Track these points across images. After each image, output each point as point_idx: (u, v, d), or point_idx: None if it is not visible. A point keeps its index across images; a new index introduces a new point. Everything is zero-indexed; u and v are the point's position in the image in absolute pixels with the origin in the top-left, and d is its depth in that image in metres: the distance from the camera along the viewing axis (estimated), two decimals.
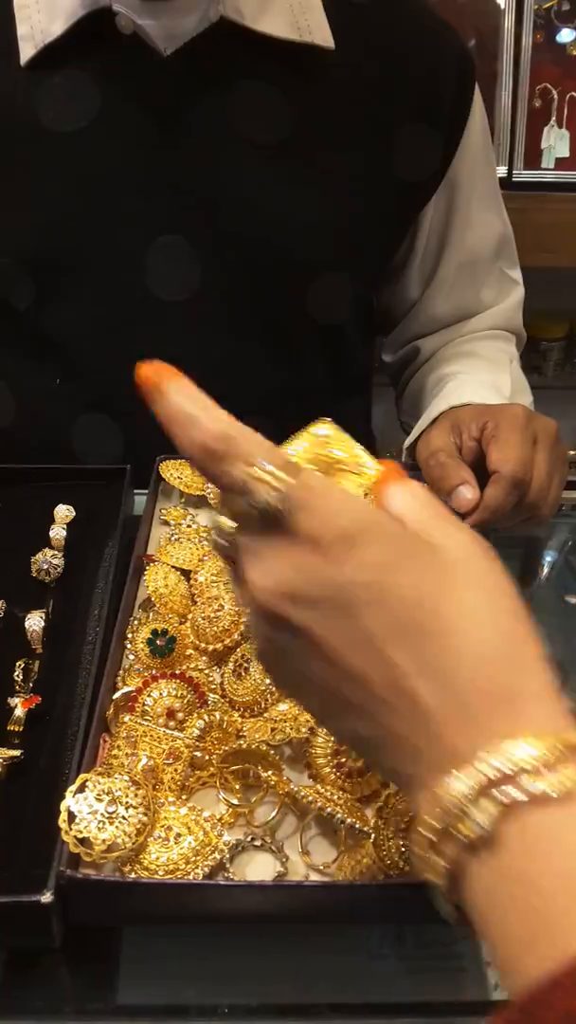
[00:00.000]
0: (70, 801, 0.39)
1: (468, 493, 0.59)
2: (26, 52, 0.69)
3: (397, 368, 0.89)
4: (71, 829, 0.38)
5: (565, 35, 1.26)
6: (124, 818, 0.38)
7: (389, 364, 0.89)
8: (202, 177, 0.71)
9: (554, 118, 1.27)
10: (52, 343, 0.77)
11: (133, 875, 0.38)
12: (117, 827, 0.38)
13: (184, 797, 0.42)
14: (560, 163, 1.28)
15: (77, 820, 0.38)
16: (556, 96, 1.27)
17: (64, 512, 0.61)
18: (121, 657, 0.50)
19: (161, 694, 0.46)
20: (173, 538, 0.61)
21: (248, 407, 0.78)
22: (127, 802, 0.39)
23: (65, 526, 0.60)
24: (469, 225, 0.81)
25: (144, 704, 0.45)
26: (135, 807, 0.39)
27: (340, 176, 0.73)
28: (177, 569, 0.57)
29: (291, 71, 0.70)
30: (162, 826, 0.40)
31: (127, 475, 0.66)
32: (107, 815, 0.38)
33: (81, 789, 0.39)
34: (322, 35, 0.69)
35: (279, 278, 0.74)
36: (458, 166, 0.77)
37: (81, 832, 0.38)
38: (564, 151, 1.28)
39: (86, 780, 0.40)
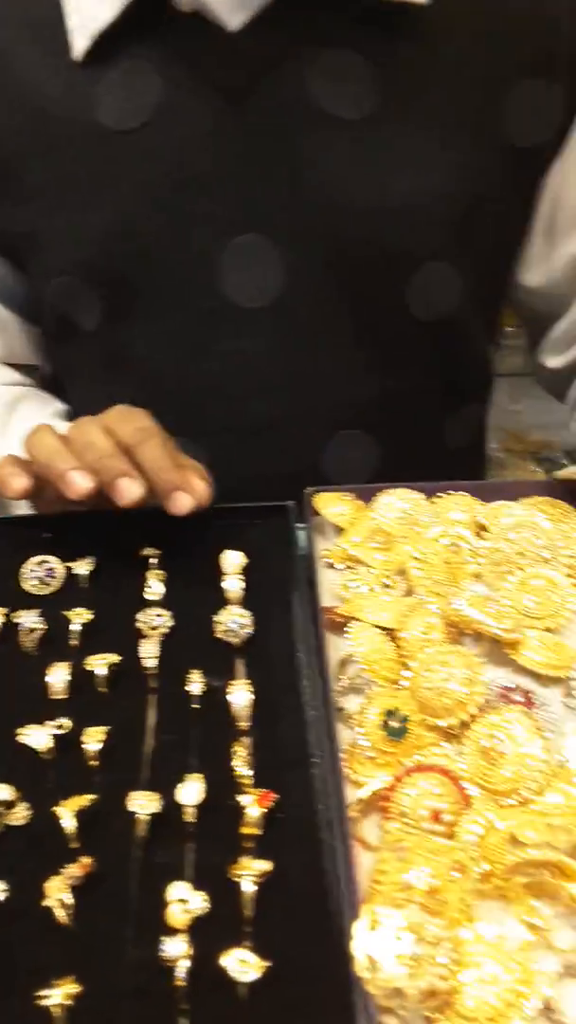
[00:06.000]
0: (364, 942, 0.33)
1: None
2: (79, 45, 0.63)
3: (570, 370, 0.79)
4: (376, 978, 0.32)
5: None
6: (434, 959, 0.33)
7: (553, 368, 0.80)
8: (283, 163, 0.64)
9: None
10: (125, 363, 0.72)
11: None
12: (430, 971, 0.33)
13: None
14: None
15: (379, 966, 0.33)
16: None
17: (235, 560, 0.56)
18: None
19: (421, 792, 0.40)
20: (354, 587, 0.55)
21: (346, 419, 0.73)
22: (432, 937, 0.34)
23: (241, 577, 0.54)
24: None
25: (402, 804, 0.40)
26: (441, 942, 0.34)
27: (443, 149, 0.65)
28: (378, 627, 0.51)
29: (380, 34, 0.62)
30: (470, 962, 0.34)
31: (290, 514, 0.60)
32: (414, 958, 0.33)
33: (373, 924, 0.34)
34: None
35: (376, 271, 0.67)
36: None
37: (390, 981, 0.32)
38: None
39: (375, 915, 0.34)
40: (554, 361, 0.80)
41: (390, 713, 0.44)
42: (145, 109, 0.64)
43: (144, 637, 0.50)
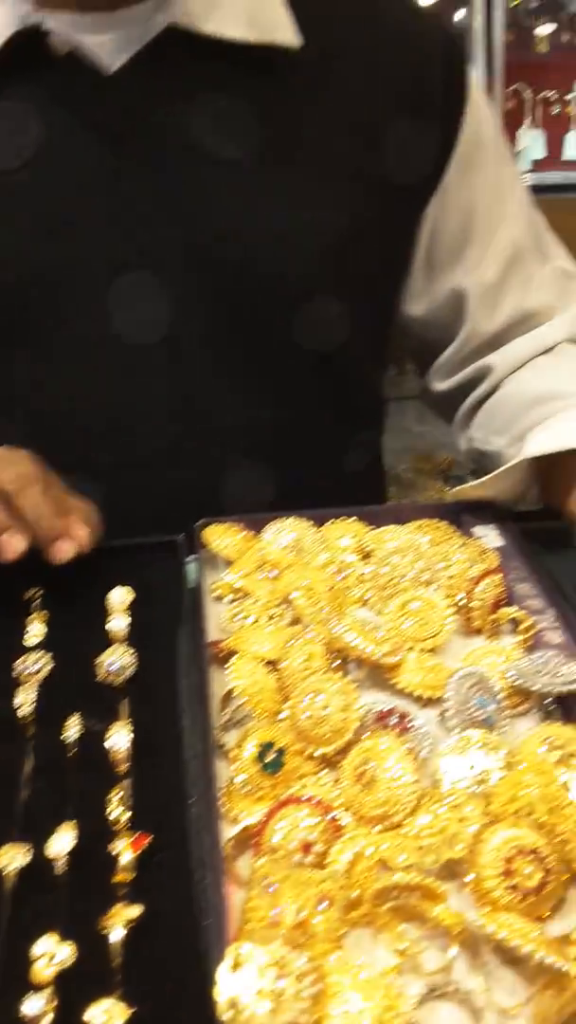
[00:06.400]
0: (227, 983, 0.33)
1: None
2: None
3: (459, 392, 0.81)
4: (240, 1019, 0.32)
5: (538, 31, 1.24)
6: (297, 993, 0.33)
7: (442, 391, 0.83)
8: (165, 202, 0.65)
9: (529, 119, 1.26)
10: (15, 402, 0.71)
11: None
12: (293, 1006, 0.33)
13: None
14: (537, 165, 1.27)
15: (242, 1006, 0.33)
16: (529, 96, 1.25)
17: (121, 597, 0.55)
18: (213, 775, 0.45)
19: (292, 824, 0.40)
20: (240, 618, 0.56)
21: (241, 449, 0.75)
22: (295, 972, 0.34)
23: (127, 615, 0.54)
24: (496, 223, 0.75)
25: (273, 838, 0.40)
26: (305, 975, 0.34)
27: (323, 186, 0.68)
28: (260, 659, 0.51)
29: (256, 75, 0.64)
30: (334, 992, 0.34)
31: (180, 548, 0.60)
32: (276, 993, 0.33)
33: (236, 964, 0.34)
34: (284, 33, 0.64)
35: (262, 305, 0.69)
36: (467, 159, 0.72)
37: (252, 1020, 0.32)
38: (539, 152, 1.27)
39: (239, 954, 0.34)
40: (441, 385, 0.83)
41: (265, 746, 0.44)
42: (25, 150, 0.64)
43: (21, 684, 0.49)
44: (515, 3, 1.25)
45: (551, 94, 1.26)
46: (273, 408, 0.74)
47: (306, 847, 0.40)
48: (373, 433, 0.87)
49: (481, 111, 0.74)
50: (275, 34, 0.63)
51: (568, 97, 1.26)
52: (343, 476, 0.81)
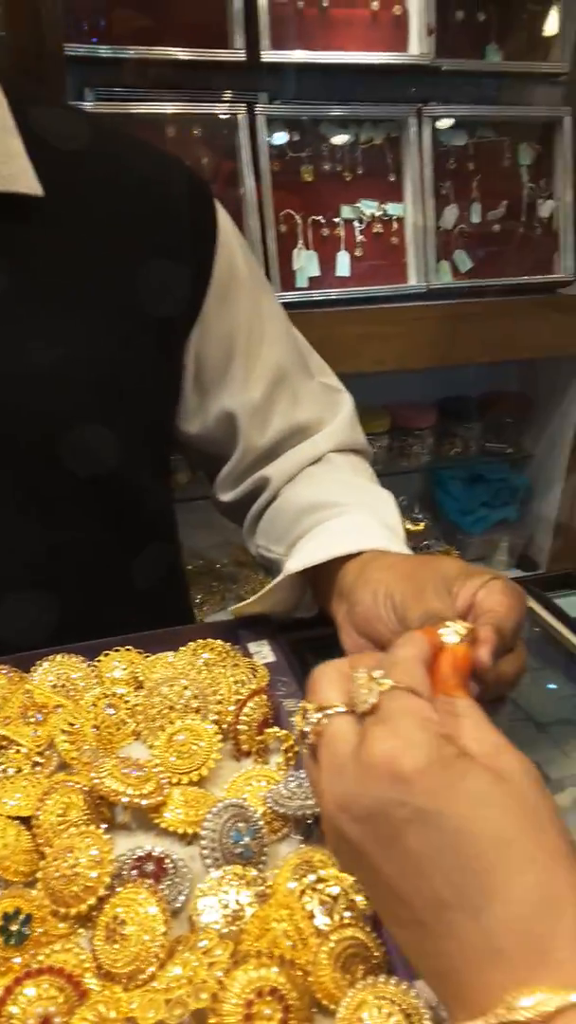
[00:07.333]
0: None
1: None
2: None
3: (243, 502, 0.84)
4: None
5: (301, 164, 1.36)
6: None
7: (228, 502, 0.85)
8: None
9: (301, 241, 1.36)
10: None
11: None
12: None
13: None
14: (313, 282, 1.37)
15: None
16: (299, 220, 1.35)
17: None
18: None
19: (30, 999, 0.39)
20: (1, 770, 0.54)
21: (16, 580, 0.74)
22: None
23: None
24: (256, 346, 0.80)
25: (10, 1016, 0.39)
26: None
27: (79, 322, 0.70)
28: (14, 817, 0.50)
29: (6, 220, 0.67)
30: None
31: None
32: None
33: None
34: (26, 182, 0.67)
35: (24, 435, 0.70)
36: (223, 291, 0.78)
37: None
38: (314, 271, 1.37)
39: None
40: (226, 497, 0.86)
41: (7, 916, 0.43)
42: None
43: None
44: (280, 137, 1.36)
45: (320, 218, 1.37)
46: (49, 535, 0.73)
47: (45, 1022, 0.38)
48: (165, 543, 0.89)
49: (232, 245, 0.79)
50: (16, 184, 0.66)
51: (336, 220, 1.37)
52: (136, 593, 0.81)
